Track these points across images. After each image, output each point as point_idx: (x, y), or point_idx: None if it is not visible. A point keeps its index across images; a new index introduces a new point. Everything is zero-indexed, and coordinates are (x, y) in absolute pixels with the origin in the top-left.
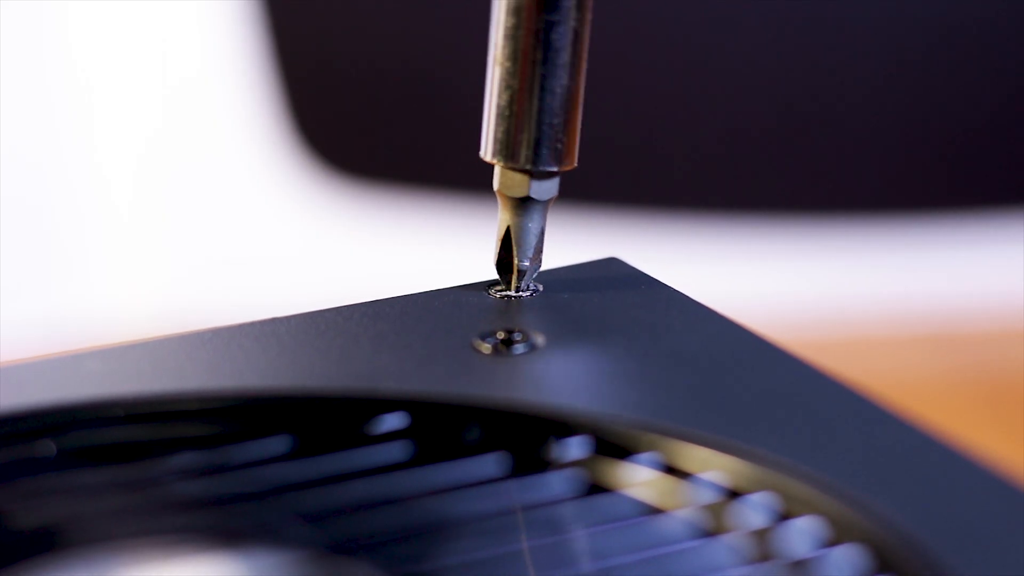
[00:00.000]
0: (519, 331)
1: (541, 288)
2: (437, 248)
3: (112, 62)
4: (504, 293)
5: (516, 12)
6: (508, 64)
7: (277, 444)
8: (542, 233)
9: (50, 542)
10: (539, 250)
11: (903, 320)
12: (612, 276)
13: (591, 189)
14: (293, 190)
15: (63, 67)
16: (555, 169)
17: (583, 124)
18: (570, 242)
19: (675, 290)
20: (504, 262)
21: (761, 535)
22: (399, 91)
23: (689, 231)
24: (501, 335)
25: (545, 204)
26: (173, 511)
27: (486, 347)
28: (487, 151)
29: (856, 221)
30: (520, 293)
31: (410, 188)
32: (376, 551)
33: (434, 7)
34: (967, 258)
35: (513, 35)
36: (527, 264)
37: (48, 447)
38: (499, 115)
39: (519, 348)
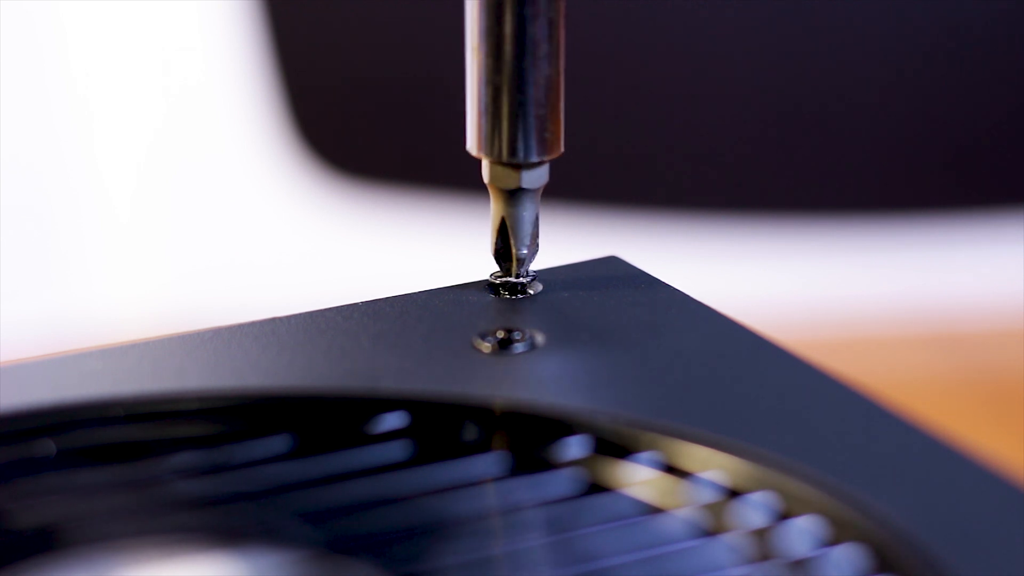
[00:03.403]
0: (519, 330)
1: (541, 288)
2: (437, 248)
3: (113, 64)
4: (504, 279)
5: (492, 7)
6: (488, 59)
7: (277, 444)
8: (536, 220)
9: (50, 542)
10: (535, 236)
11: (903, 320)
12: (612, 275)
13: (591, 189)
14: (293, 190)
15: (65, 68)
16: (543, 159)
17: (583, 124)
18: (570, 241)
19: (675, 289)
20: (502, 252)
21: (761, 535)
22: (399, 93)
23: (689, 231)
24: (501, 334)
25: (536, 192)
26: (173, 511)
27: (486, 346)
28: (474, 146)
29: (856, 221)
30: (520, 280)
31: (410, 188)
32: (376, 551)
33: (434, 9)
34: (967, 258)
35: (491, 31)
36: (525, 252)
37: (48, 447)
38: (483, 110)
39: (519, 347)
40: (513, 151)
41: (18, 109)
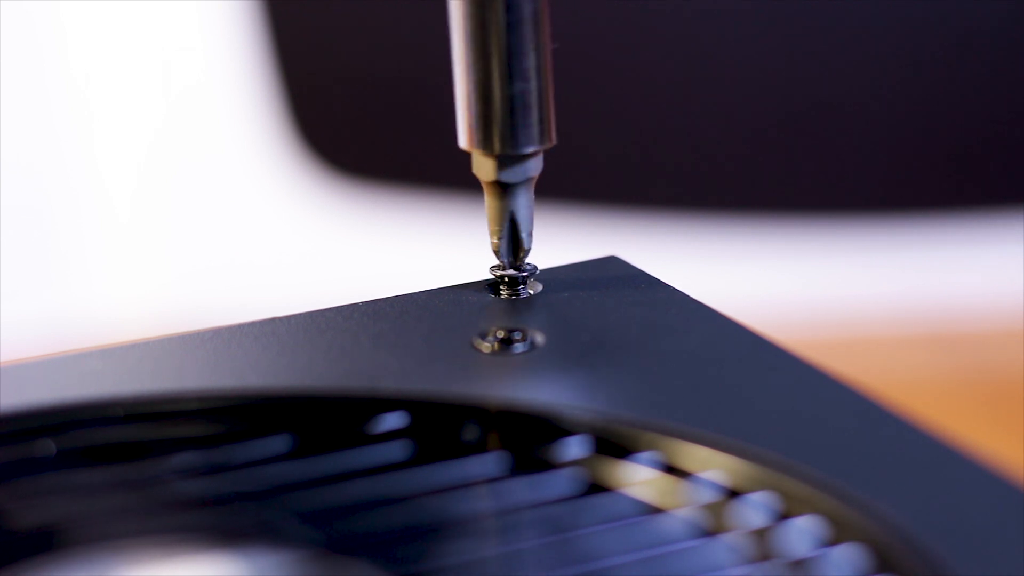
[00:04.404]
0: (519, 330)
1: (541, 288)
2: (437, 248)
3: (113, 64)
4: (501, 272)
5: None
6: (471, 51)
7: (277, 444)
8: (530, 212)
9: (50, 542)
10: (528, 230)
11: (903, 320)
12: (612, 275)
13: (591, 189)
14: (293, 190)
15: (65, 68)
16: (530, 151)
17: (584, 123)
18: (570, 241)
19: (675, 289)
20: (496, 245)
21: (761, 535)
22: (399, 92)
23: (689, 231)
24: (501, 334)
25: (528, 184)
26: (173, 511)
27: (486, 346)
28: (463, 139)
29: (856, 221)
30: (519, 273)
31: (410, 188)
32: (376, 551)
33: (434, 9)
34: (967, 258)
35: (473, 21)
36: (526, 243)
37: (48, 447)
38: (468, 102)
39: (519, 347)
40: (497, 142)
41: (18, 109)
